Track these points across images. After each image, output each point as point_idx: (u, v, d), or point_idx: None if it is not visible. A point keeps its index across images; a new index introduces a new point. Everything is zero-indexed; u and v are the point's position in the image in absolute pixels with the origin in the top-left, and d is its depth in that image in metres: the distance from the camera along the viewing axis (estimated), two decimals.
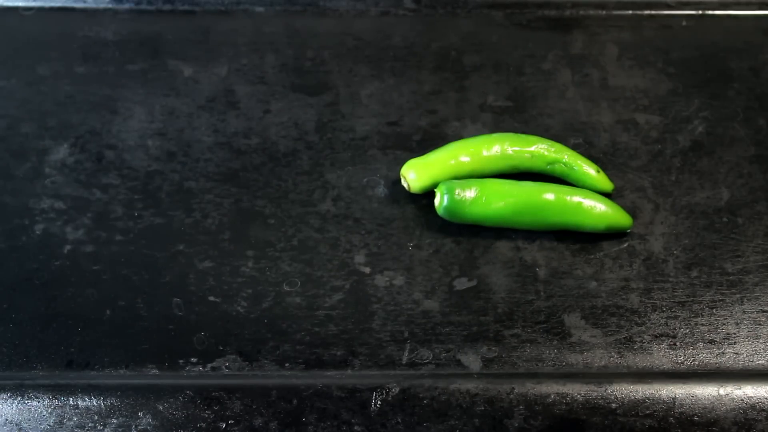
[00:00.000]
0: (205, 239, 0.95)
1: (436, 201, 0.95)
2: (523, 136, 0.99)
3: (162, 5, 1.15)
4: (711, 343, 0.89)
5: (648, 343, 0.89)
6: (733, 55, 1.11)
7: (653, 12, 1.15)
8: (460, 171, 0.97)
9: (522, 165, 0.98)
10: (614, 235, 0.95)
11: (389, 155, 1.02)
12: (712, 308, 0.91)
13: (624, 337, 0.89)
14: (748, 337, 0.89)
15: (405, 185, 0.98)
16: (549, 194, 0.94)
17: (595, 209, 0.94)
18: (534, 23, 1.13)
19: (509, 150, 0.97)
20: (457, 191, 0.94)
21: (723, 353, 0.88)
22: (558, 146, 0.98)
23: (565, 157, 0.98)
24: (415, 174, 0.97)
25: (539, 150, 0.97)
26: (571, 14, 1.14)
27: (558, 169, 0.98)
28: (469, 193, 0.94)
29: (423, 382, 0.85)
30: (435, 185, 0.97)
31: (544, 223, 0.94)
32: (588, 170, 0.98)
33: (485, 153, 0.97)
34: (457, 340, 0.88)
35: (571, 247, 0.95)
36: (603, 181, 0.98)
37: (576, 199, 0.94)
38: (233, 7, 1.14)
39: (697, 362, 0.88)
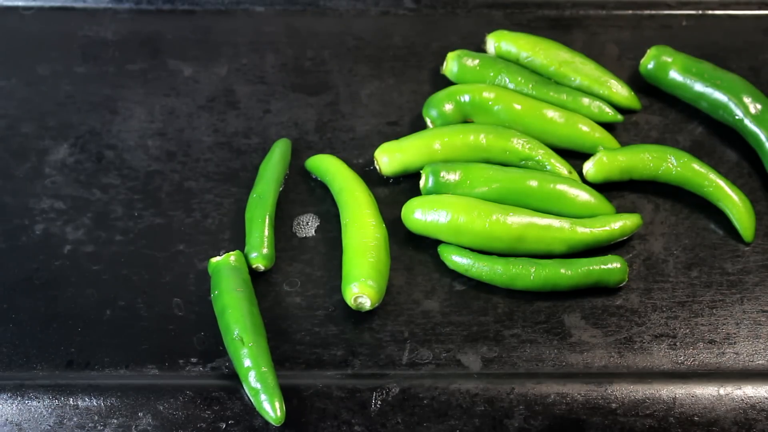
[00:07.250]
0: (205, 239, 0.95)
1: (422, 182, 0.95)
2: (501, 128, 0.98)
3: (162, 5, 1.14)
4: (711, 343, 0.89)
5: (648, 343, 0.89)
6: (733, 55, 1.11)
7: (653, 12, 1.14)
8: (433, 158, 0.97)
9: (495, 158, 0.97)
10: None
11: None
12: (712, 308, 0.91)
13: (624, 337, 0.89)
14: (748, 337, 0.89)
15: (377, 168, 0.98)
16: (533, 181, 0.94)
17: (579, 198, 0.94)
18: (534, 23, 1.13)
19: (483, 141, 0.97)
20: (442, 173, 0.94)
21: (723, 353, 0.88)
22: (534, 143, 0.98)
23: (539, 155, 0.97)
24: (387, 158, 0.98)
25: (514, 145, 0.97)
26: (571, 14, 1.14)
27: (530, 166, 0.97)
28: (453, 176, 0.94)
29: (423, 382, 0.85)
30: (406, 170, 0.98)
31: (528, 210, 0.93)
32: (561, 169, 0.97)
33: (459, 143, 0.97)
34: (457, 340, 0.88)
35: None
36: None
37: (560, 187, 0.94)
38: (233, 7, 1.14)
39: (697, 362, 0.88)
